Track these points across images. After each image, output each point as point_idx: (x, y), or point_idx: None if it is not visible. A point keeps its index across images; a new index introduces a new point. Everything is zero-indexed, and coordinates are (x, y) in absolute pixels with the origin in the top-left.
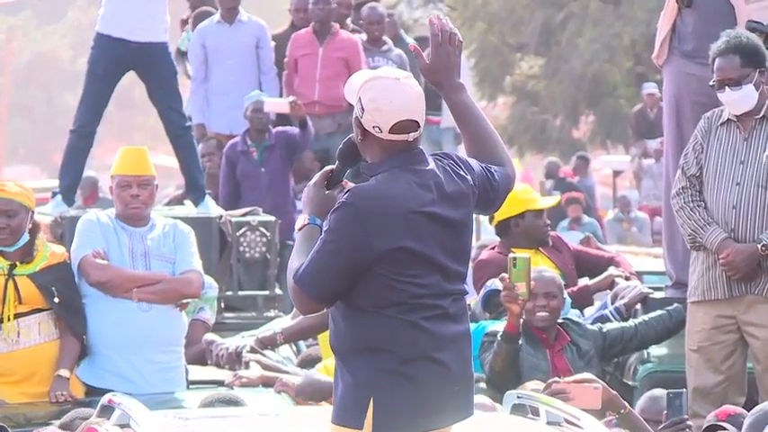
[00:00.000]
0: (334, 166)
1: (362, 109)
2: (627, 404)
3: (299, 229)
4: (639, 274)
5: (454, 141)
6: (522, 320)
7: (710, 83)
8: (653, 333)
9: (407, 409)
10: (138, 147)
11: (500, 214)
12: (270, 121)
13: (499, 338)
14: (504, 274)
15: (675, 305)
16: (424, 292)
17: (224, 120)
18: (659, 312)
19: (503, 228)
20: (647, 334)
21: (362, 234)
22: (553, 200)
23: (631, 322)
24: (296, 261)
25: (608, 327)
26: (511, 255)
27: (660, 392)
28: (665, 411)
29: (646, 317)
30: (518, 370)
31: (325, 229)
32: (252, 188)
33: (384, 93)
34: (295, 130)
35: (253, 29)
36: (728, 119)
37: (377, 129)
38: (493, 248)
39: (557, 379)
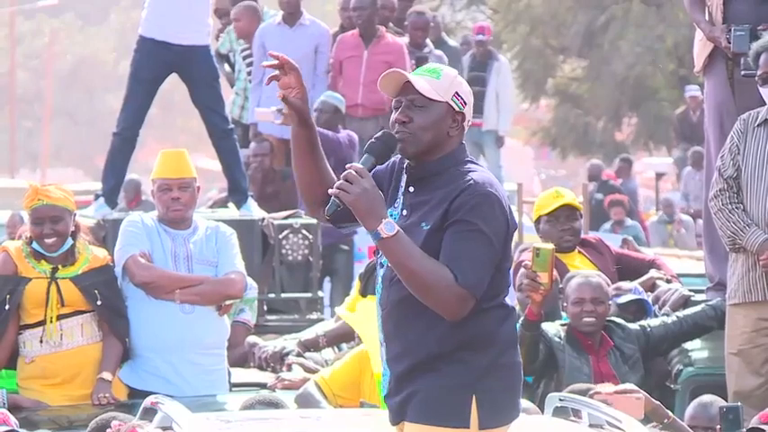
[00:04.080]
0: (363, 164)
1: (464, 103)
2: (671, 413)
3: (394, 236)
4: (681, 277)
5: (495, 144)
6: (566, 325)
7: (756, 76)
8: (697, 328)
9: (504, 399)
10: (177, 149)
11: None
12: (336, 123)
13: (520, 324)
14: (527, 262)
15: (719, 299)
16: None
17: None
18: (702, 306)
19: (537, 231)
20: (691, 329)
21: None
22: (561, 201)
23: (674, 317)
24: (431, 265)
25: (652, 325)
26: (534, 244)
27: (710, 398)
28: (719, 426)
29: (689, 311)
30: (551, 365)
31: (473, 226)
32: None
33: None
34: (337, 134)
35: (314, 33)
36: (765, 119)
37: (468, 122)
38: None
39: (599, 390)
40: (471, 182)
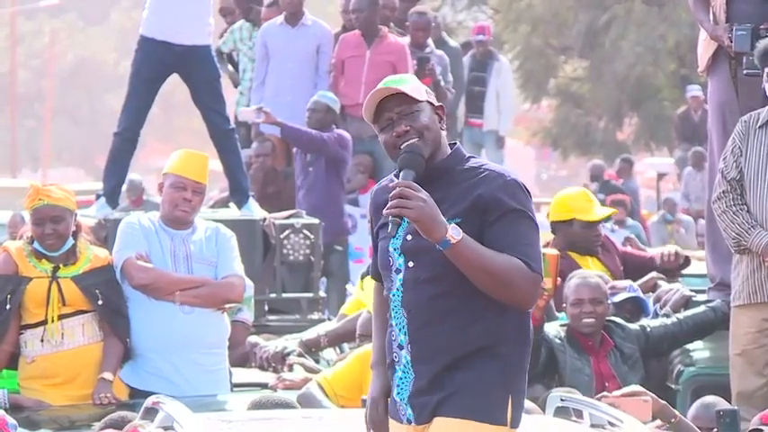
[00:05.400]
0: (408, 179)
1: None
2: (677, 413)
3: (462, 239)
4: (682, 277)
5: (496, 144)
6: (566, 325)
7: (765, 74)
8: (698, 329)
9: (523, 399)
10: (200, 153)
11: (551, 215)
12: (329, 122)
13: None
14: None
15: (719, 300)
16: None
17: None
18: (703, 308)
19: (554, 227)
20: (692, 330)
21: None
22: (605, 212)
23: (674, 318)
24: (504, 259)
25: (652, 325)
26: None
27: (713, 399)
28: (715, 429)
29: (689, 312)
30: (551, 366)
31: (523, 213)
32: (301, 186)
33: None
34: (323, 133)
35: (315, 33)
36: (767, 120)
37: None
38: (547, 245)
39: (605, 393)
40: (493, 172)
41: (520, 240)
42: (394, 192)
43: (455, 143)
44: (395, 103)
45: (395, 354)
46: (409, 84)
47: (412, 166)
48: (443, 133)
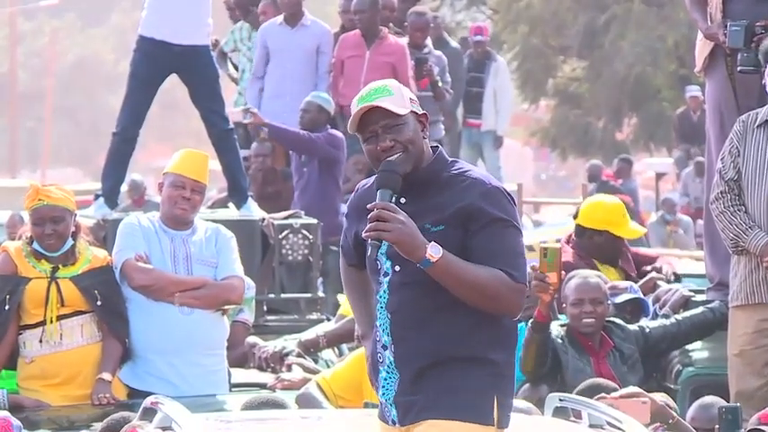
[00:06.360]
0: (387, 201)
1: (418, 102)
2: (675, 414)
3: (442, 256)
4: (681, 277)
5: (494, 145)
6: (566, 325)
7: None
8: (696, 330)
9: (510, 400)
10: (201, 152)
11: (582, 219)
12: (322, 122)
13: (529, 327)
14: (534, 264)
15: (718, 301)
16: None
17: (277, 122)
18: (701, 309)
19: (580, 231)
20: (690, 331)
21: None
22: (637, 230)
23: (673, 319)
24: (486, 271)
25: (650, 326)
26: (541, 245)
27: (711, 400)
28: (717, 426)
29: (688, 313)
30: (554, 366)
31: (506, 222)
32: (297, 186)
33: None
34: (312, 133)
35: (315, 33)
36: (765, 120)
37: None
38: (568, 242)
39: (604, 395)
40: (476, 180)
41: (503, 251)
42: (372, 214)
43: (437, 147)
44: (379, 115)
45: (379, 354)
46: (393, 95)
47: (389, 185)
48: (426, 141)
